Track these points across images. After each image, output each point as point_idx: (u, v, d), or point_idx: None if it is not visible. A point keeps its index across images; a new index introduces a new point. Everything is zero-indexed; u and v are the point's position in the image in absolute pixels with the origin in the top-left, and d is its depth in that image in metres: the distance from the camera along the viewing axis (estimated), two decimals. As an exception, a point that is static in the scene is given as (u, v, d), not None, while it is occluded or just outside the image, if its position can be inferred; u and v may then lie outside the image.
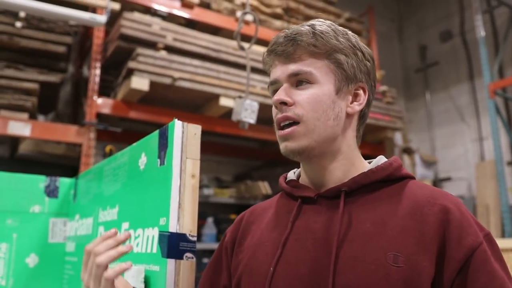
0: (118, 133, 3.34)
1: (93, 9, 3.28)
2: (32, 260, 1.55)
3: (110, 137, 3.49)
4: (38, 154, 3.29)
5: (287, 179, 0.96)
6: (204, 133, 3.84)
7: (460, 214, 0.78)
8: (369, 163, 0.91)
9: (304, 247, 0.80)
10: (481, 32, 4.69)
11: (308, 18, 4.46)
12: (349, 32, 0.90)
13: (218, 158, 4.50)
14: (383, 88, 4.50)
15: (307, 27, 0.87)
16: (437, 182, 5.72)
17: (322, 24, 0.88)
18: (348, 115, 0.88)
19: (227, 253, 0.94)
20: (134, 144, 1.15)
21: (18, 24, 2.99)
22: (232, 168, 4.63)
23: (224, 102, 3.42)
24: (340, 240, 0.78)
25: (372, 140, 4.61)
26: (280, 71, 0.88)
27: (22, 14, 2.99)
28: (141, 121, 3.44)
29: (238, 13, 3.84)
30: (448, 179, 5.73)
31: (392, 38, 6.75)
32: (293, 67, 0.86)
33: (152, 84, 3.13)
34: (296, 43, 0.85)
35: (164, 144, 0.99)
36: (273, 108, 0.89)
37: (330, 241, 0.78)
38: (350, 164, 0.88)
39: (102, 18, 2.97)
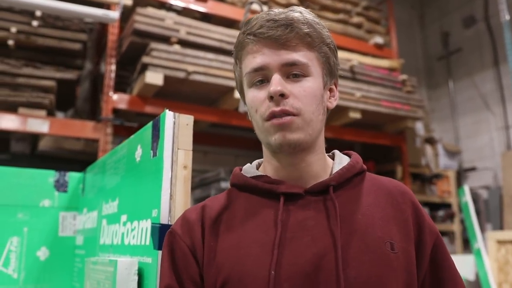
0: (135, 128, 3.37)
1: (108, 5, 3.31)
2: (43, 253, 1.57)
3: (128, 132, 3.52)
4: (58, 150, 3.35)
5: (251, 175, 0.89)
6: (220, 126, 3.83)
7: (418, 202, 0.87)
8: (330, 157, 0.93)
9: (302, 245, 0.77)
10: (506, 16, 4.53)
11: (324, 8, 4.40)
12: None
13: (236, 151, 4.50)
14: (402, 77, 4.40)
15: (298, 14, 0.83)
16: (461, 172, 5.58)
17: (308, 13, 0.86)
18: (327, 110, 0.89)
19: (194, 257, 0.81)
20: (132, 136, 1.15)
21: (35, 23, 3.03)
22: (250, 161, 4.59)
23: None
24: (343, 232, 0.78)
25: (392, 131, 4.52)
26: (269, 58, 0.81)
27: (38, 13, 3.03)
28: (157, 115, 3.45)
29: (254, 5, 3.82)
30: (473, 169, 5.58)
31: (413, 26, 6.58)
32: (288, 56, 0.81)
33: (167, 78, 3.14)
34: (293, 30, 0.81)
35: (156, 135, 0.98)
36: (260, 98, 0.82)
37: (331, 235, 0.77)
38: (324, 158, 0.89)
39: (115, 14, 3.00)
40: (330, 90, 0.90)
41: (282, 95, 0.79)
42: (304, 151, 0.84)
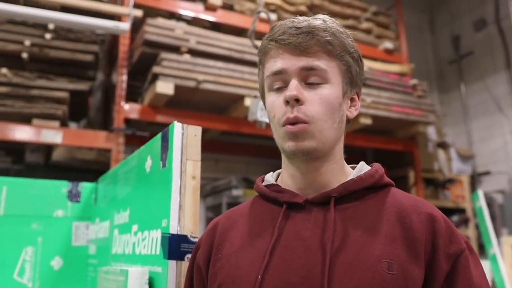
0: (147, 137, 3.41)
1: (119, 17, 3.36)
2: (56, 263, 1.60)
3: (140, 141, 3.56)
4: (71, 160, 3.40)
5: (266, 183, 0.92)
6: (231, 134, 3.84)
7: (445, 222, 0.80)
8: (352, 168, 0.90)
9: (294, 254, 0.77)
10: (517, 19, 4.49)
11: (333, 14, 4.39)
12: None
13: (247, 159, 4.51)
14: (413, 81, 4.38)
15: (321, 22, 0.83)
16: (475, 176, 5.52)
17: (332, 21, 0.85)
18: (346, 119, 0.88)
19: (204, 266, 0.87)
20: (142, 147, 1.17)
21: (48, 35, 3.09)
22: (261, 168, 4.63)
23: (249, 102, 3.42)
24: (334, 247, 0.76)
25: (403, 136, 4.50)
26: (289, 62, 0.82)
27: (51, 26, 3.09)
28: (169, 124, 3.48)
29: (262, 14, 3.84)
30: (487, 173, 5.51)
31: (423, 30, 6.56)
32: (307, 61, 0.81)
33: (177, 87, 3.17)
34: (314, 37, 0.81)
35: (165, 147, 1.00)
36: (278, 104, 0.83)
37: (323, 248, 0.76)
38: (340, 168, 0.87)
39: (125, 25, 3.04)
40: (352, 99, 0.89)
41: (297, 100, 0.80)
42: (318, 160, 0.84)
